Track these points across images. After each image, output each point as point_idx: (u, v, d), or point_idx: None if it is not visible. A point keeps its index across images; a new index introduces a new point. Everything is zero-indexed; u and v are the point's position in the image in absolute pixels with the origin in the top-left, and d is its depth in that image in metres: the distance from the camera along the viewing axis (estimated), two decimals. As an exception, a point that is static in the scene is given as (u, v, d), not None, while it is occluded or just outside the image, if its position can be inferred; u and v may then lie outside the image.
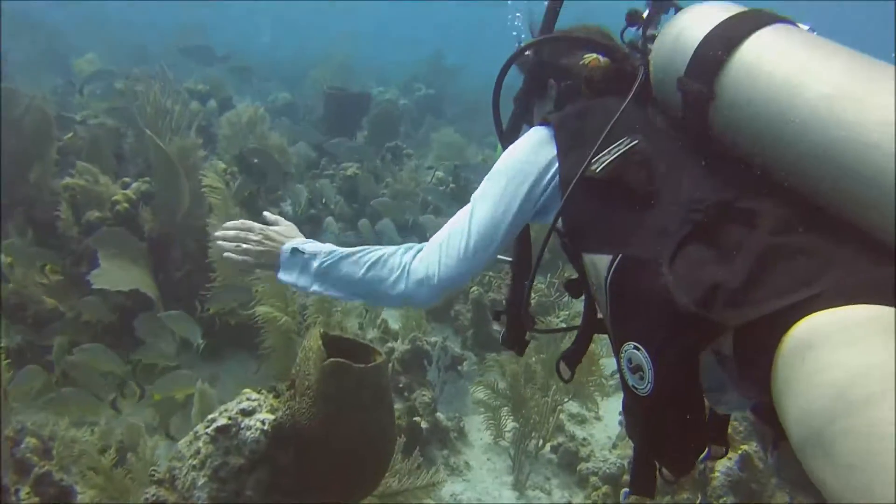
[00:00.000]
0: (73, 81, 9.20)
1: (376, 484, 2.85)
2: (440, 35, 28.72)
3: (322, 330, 2.64)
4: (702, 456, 1.56)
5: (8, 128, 5.70)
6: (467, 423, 5.12)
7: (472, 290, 5.96)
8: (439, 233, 1.77)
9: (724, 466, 3.85)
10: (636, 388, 1.44)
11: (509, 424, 4.92)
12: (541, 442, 4.79)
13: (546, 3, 1.97)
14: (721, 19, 1.46)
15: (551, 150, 1.69)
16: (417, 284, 1.72)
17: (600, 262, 1.53)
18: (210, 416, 2.64)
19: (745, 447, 3.84)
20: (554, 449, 4.88)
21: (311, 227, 6.80)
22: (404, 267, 1.74)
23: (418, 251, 1.77)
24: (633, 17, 1.78)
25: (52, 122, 6.01)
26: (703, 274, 1.32)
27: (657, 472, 1.60)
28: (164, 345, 4.55)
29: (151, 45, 14.40)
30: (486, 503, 4.48)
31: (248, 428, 2.55)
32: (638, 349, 1.42)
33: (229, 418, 2.57)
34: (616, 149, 1.52)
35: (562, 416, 5.02)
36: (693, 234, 1.38)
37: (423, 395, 4.80)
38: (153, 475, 2.69)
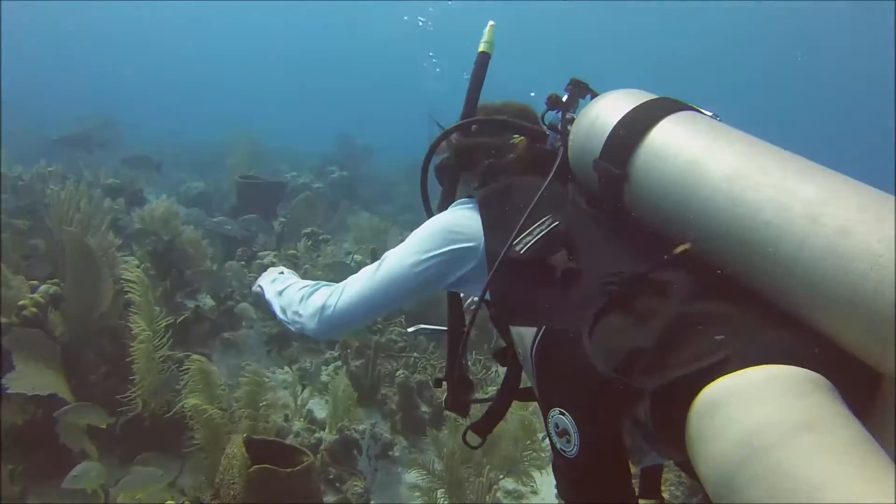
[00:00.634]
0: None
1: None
2: (350, 115, 29.18)
3: (245, 435, 2.59)
4: None
5: None
6: (403, 511, 5.02)
7: (398, 373, 5.93)
8: (347, 279, 1.92)
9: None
10: (564, 451, 1.52)
11: (446, 507, 4.84)
12: (479, 522, 4.72)
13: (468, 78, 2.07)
14: (632, 106, 1.58)
15: (475, 224, 1.79)
16: (313, 313, 1.89)
17: (526, 334, 1.62)
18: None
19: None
20: (492, 528, 4.81)
21: (229, 320, 6.68)
22: (307, 295, 1.94)
23: (325, 287, 1.95)
24: (553, 102, 1.91)
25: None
26: (620, 342, 1.39)
27: None
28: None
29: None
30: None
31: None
32: (564, 414, 1.50)
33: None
34: (538, 229, 1.63)
35: (498, 493, 4.97)
36: (610, 304, 1.45)
37: (356, 486, 4.70)
38: None
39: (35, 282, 5.52)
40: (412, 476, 5.08)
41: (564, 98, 1.92)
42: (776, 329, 1.29)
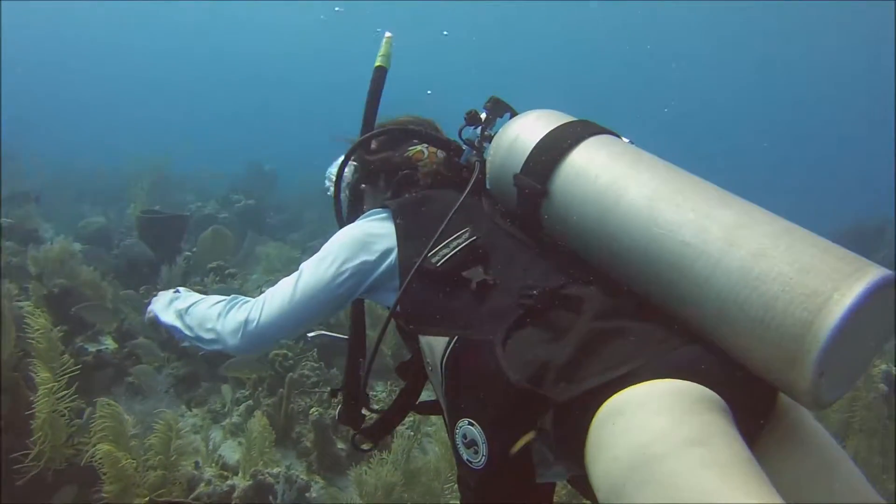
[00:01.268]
0: None
1: None
2: (257, 138, 28.73)
3: (149, 497, 2.50)
4: None
5: None
6: (322, 555, 4.92)
7: (312, 411, 5.82)
8: (264, 293, 1.88)
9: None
10: (470, 462, 1.54)
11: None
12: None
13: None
14: (555, 125, 1.65)
15: (389, 233, 1.82)
16: (234, 328, 1.82)
17: (437, 344, 1.64)
18: None
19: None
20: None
21: (132, 362, 6.43)
22: (224, 311, 1.88)
23: (244, 303, 1.89)
24: (472, 118, 1.95)
25: None
26: (532, 354, 1.44)
27: None
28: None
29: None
30: None
31: None
32: (472, 425, 1.52)
33: None
34: (454, 242, 1.67)
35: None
36: (524, 317, 1.51)
37: (272, 534, 4.58)
38: None
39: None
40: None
41: (483, 115, 1.95)
42: (683, 346, 1.37)
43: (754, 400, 1.35)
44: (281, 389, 6.13)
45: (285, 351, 6.77)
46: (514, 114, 1.89)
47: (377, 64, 2.11)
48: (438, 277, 1.65)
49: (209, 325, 1.89)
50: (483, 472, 1.52)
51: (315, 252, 1.89)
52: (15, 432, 4.60)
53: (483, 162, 1.86)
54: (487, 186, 1.84)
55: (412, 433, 6.14)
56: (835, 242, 1.28)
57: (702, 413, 1.21)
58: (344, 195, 2.20)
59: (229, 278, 8.24)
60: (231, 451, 5.61)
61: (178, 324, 2.00)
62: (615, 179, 1.48)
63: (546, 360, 1.42)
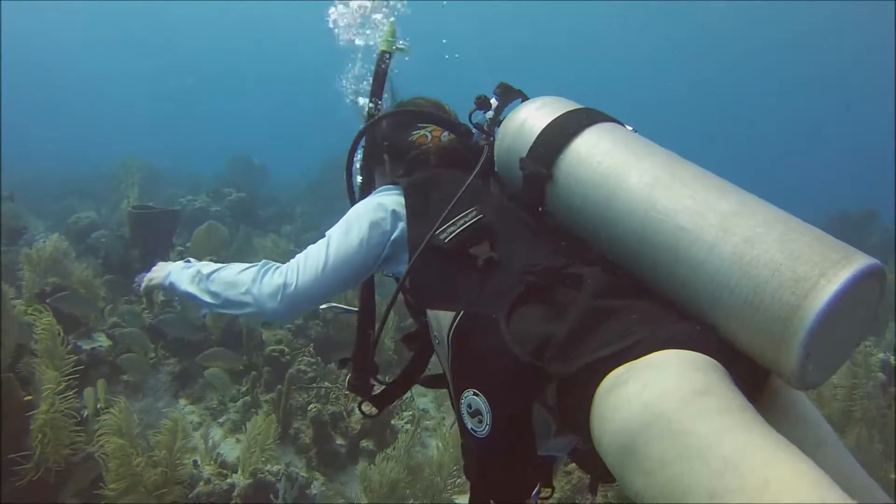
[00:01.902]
0: None
1: None
2: (244, 134, 28.58)
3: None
4: (532, 493, 1.71)
5: None
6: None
7: (310, 407, 5.79)
8: (294, 258, 1.93)
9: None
10: (475, 431, 1.60)
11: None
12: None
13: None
14: (560, 112, 1.70)
15: (400, 207, 1.89)
16: (272, 292, 1.87)
17: (444, 318, 1.68)
18: None
19: None
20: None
21: (118, 351, 6.34)
22: (259, 276, 1.90)
23: (277, 267, 1.92)
24: (482, 103, 2.02)
25: None
26: (535, 329, 1.49)
27: None
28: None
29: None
30: None
31: None
32: (477, 395, 1.57)
33: None
34: (462, 220, 1.72)
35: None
36: (527, 294, 1.55)
37: (273, 532, 4.55)
38: None
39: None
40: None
41: (492, 100, 2.02)
42: (680, 322, 1.42)
43: (747, 374, 1.39)
44: (279, 385, 6.10)
45: (282, 346, 6.73)
46: (524, 99, 1.94)
47: (381, 48, 2.19)
48: (446, 254, 1.70)
49: (242, 290, 1.91)
50: (487, 441, 1.57)
51: (313, 240, 1.95)
52: (10, 433, 4.54)
53: (491, 145, 1.91)
54: (495, 169, 1.90)
55: (411, 427, 6.14)
56: (824, 230, 1.34)
57: (705, 371, 1.27)
58: (355, 177, 2.27)
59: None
60: (229, 449, 5.58)
61: (196, 290, 2.01)
62: (617, 166, 1.54)
63: (548, 335, 1.46)
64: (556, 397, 1.46)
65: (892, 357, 5.67)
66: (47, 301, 6.06)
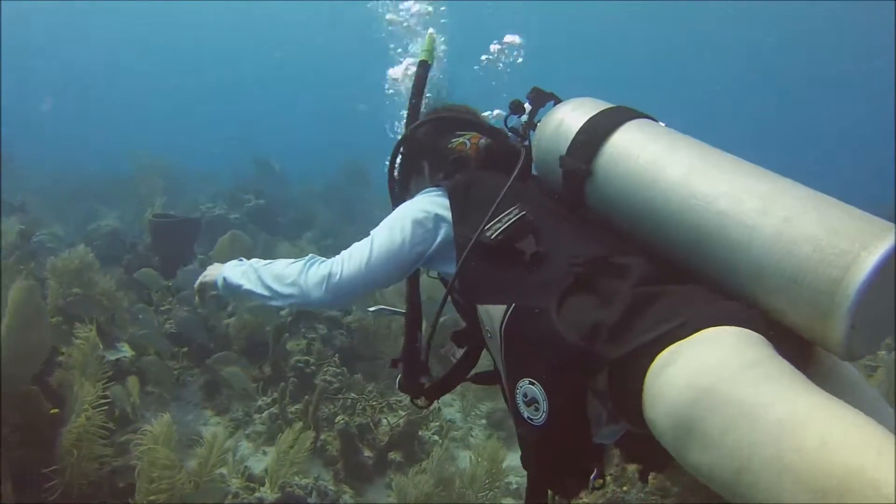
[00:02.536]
0: None
1: None
2: (264, 139, 28.62)
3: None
4: (590, 478, 1.76)
5: None
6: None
7: (337, 419, 5.73)
8: (340, 254, 2.03)
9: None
10: (531, 420, 1.65)
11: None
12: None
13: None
14: (596, 111, 1.77)
15: (445, 209, 1.97)
16: (318, 282, 1.98)
17: (495, 312, 1.75)
18: None
19: None
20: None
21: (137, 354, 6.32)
22: (306, 267, 2.02)
23: (322, 261, 2.04)
24: (516, 107, 2.14)
25: None
26: (585, 317, 1.54)
27: (548, 497, 1.81)
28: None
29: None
30: None
31: None
32: (533, 384, 1.62)
33: None
34: (506, 217, 1.78)
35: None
36: (574, 285, 1.61)
37: (305, 548, 4.48)
38: None
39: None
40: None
41: (526, 105, 2.13)
42: (725, 301, 1.47)
43: (791, 349, 1.40)
44: (307, 396, 6.04)
45: (307, 357, 6.67)
46: (556, 101, 2.01)
47: (420, 58, 2.32)
48: (493, 250, 1.77)
49: (290, 280, 2.03)
50: (544, 428, 1.62)
51: (334, 246, 2.01)
52: (36, 445, 4.49)
53: (529, 147, 2.00)
54: (533, 171, 1.99)
55: (439, 439, 6.07)
56: None
57: (753, 345, 1.30)
58: (396, 181, 2.38)
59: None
60: (256, 462, 5.52)
61: (249, 284, 2.12)
62: (654, 158, 1.60)
63: (598, 322, 1.50)
64: (606, 383, 1.49)
65: (892, 354, 5.58)
66: (60, 304, 6.05)
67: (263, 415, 6.17)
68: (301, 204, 16.03)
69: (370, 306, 2.58)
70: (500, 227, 1.77)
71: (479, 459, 5.00)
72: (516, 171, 1.91)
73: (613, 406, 1.52)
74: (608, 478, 2.05)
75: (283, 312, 7.10)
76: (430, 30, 2.34)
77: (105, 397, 4.56)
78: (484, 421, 6.75)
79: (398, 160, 2.35)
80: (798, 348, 1.44)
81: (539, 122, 1.95)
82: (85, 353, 4.78)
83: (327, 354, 6.83)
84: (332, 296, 1.99)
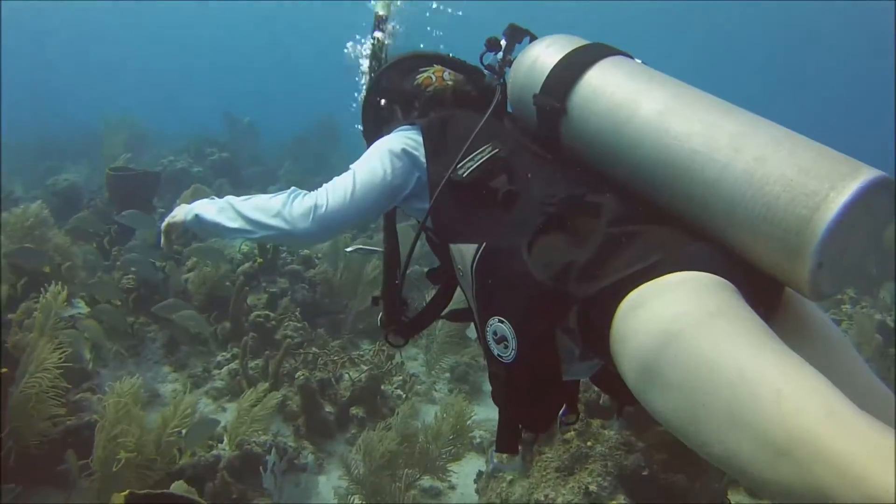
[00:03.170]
0: None
1: None
2: (232, 92, 28.09)
3: (127, 492, 2.34)
4: (558, 414, 1.86)
5: None
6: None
7: (298, 374, 5.67)
8: (322, 186, 1.98)
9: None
10: (501, 357, 1.67)
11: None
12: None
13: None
14: (571, 48, 1.77)
15: (419, 144, 1.95)
16: (304, 213, 1.91)
17: (467, 251, 1.75)
18: None
19: None
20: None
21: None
22: (289, 200, 1.94)
23: (306, 193, 1.97)
24: (491, 44, 2.10)
25: None
26: (556, 255, 1.55)
27: (519, 433, 1.84)
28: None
29: None
30: None
31: None
32: (502, 322, 1.64)
33: None
34: (479, 156, 1.78)
35: (414, 493, 4.83)
36: (547, 223, 1.62)
37: (261, 505, 4.43)
38: None
39: None
40: (323, 482, 4.91)
41: (502, 41, 2.08)
42: (694, 243, 1.48)
43: (760, 291, 1.45)
44: (267, 352, 5.97)
45: (267, 311, 6.59)
46: (532, 38, 2.00)
47: (377, 12, 2.35)
48: (466, 188, 1.77)
49: (274, 212, 1.94)
50: (513, 365, 1.64)
51: None
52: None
53: (504, 84, 1.99)
54: (508, 108, 1.97)
55: (402, 392, 6.05)
56: None
57: (718, 292, 1.34)
58: (372, 133, 2.31)
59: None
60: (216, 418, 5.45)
61: (226, 220, 2.01)
62: (629, 95, 1.60)
63: (569, 261, 1.52)
64: (577, 321, 1.52)
65: (890, 318, 5.60)
66: (5, 259, 5.89)
67: (223, 370, 6.09)
68: (268, 158, 15.77)
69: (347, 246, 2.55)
70: (472, 165, 1.77)
71: (445, 415, 4.96)
72: (490, 108, 1.90)
73: (584, 344, 1.55)
74: (580, 413, 2.09)
75: (242, 268, 6.99)
76: None
77: (60, 350, 4.43)
78: (448, 375, 6.72)
79: (371, 113, 2.34)
80: (767, 289, 1.48)
81: (515, 59, 1.94)
82: (45, 309, 4.64)
83: (289, 309, 6.74)
84: (319, 227, 1.93)
